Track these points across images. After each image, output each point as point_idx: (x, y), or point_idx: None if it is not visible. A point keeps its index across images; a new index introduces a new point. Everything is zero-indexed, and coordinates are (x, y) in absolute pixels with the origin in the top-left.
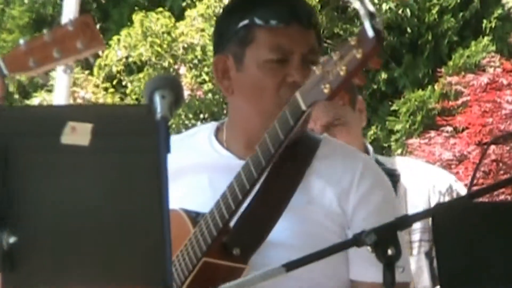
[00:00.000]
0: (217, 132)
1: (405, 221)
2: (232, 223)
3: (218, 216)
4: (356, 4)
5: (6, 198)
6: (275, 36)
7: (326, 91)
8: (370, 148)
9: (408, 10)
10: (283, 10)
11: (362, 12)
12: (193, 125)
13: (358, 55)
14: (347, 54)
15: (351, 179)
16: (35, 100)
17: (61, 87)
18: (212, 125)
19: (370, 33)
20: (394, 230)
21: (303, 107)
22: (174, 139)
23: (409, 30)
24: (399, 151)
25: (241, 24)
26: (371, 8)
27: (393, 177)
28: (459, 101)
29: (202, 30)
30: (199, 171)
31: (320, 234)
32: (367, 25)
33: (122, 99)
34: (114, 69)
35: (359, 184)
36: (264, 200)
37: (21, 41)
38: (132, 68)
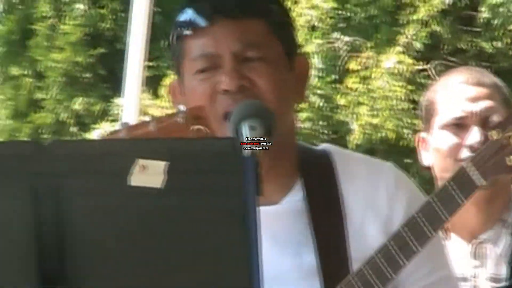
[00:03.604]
0: None
1: None
2: None
3: None
4: None
5: (59, 251)
6: (199, 40)
7: (511, 164)
8: None
9: None
10: (204, 6)
11: None
12: None
13: None
14: None
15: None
16: (94, 133)
17: (127, 117)
18: None
19: None
20: None
21: (479, 182)
22: None
23: None
24: None
25: (173, 37)
26: None
27: None
28: None
29: None
30: None
31: None
32: None
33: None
34: None
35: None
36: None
37: (117, 127)
38: None
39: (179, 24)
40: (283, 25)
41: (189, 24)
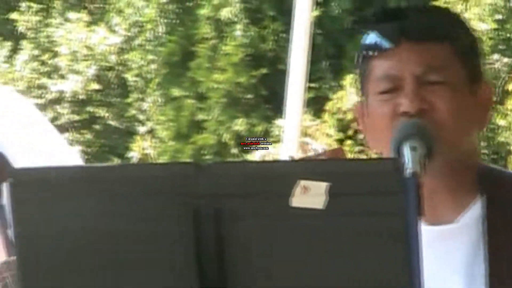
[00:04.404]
0: None
1: None
2: None
3: None
4: None
5: (219, 272)
6: (384, 62)
7: None
8: None
9: None
10: (389, 28)
11: None
12: None
13: None
14: None
15: None
16: (256, 154)
17: (289, 138)
18: None
19: None
20: None
21: None
22: None
23: None
24: None
25: (358, 58)
26: None
27: None
28: None
29: None
30: None
31: None
32: None
33: (366, 153)
34: (348, 116)
35: None
36: None
37: None
38: None
39: (365, 47)
40: (468, 50)
41: (375, 46)
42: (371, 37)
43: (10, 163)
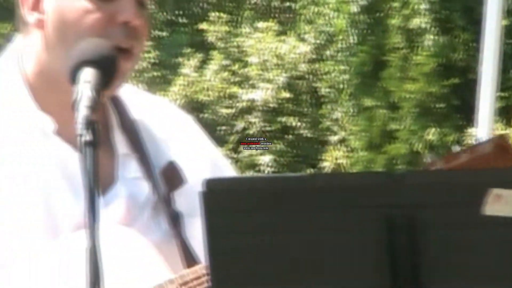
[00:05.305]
0: None
1: None
2: None
3: None
4: None
5: (414, 282)
6: None
7: None
8: None
9: None
10: None
11: None
12: None
13: None
14: None
15: None
16: None
17: None
18: None
19: None
20: None
21: None
22: None
23: None
24: None
25: None
26: None
27: None
28: None
29: None
30: None
31: None
32: None
33: None
34: None
35: None
36: None
37: (428, 159)
38: None
39: None
40: None
41: None
42: None
43: (182, 171)
